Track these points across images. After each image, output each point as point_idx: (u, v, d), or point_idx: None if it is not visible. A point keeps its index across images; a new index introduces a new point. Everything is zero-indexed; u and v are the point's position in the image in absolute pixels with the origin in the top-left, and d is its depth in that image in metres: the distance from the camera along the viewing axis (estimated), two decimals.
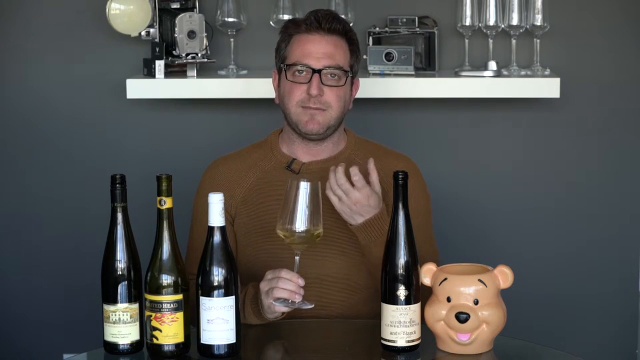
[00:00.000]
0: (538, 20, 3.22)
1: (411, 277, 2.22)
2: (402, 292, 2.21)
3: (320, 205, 2.35)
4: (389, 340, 2.23)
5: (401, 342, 2.22)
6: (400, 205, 2.23)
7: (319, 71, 2.58)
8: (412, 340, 2.23)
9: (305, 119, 2.59)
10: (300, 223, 2.33)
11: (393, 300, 2.21)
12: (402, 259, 2.22)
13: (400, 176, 2.24)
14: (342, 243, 2.60)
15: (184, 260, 2.31)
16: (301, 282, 2.35)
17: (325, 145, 2.66)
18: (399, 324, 2.21)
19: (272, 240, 2.55)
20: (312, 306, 2.35)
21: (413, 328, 2.22)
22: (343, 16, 3.18)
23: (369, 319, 2.51)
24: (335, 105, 2.60)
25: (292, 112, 2.60)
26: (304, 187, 2.33)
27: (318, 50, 2.60)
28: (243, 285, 2.44)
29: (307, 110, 2.59)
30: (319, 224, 2.34)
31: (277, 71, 2.68)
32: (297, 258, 2.37)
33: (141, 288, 2.23)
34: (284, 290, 2.34)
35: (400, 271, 2.21)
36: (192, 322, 2.24)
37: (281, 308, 2.36)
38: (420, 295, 2.24)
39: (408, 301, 2.21)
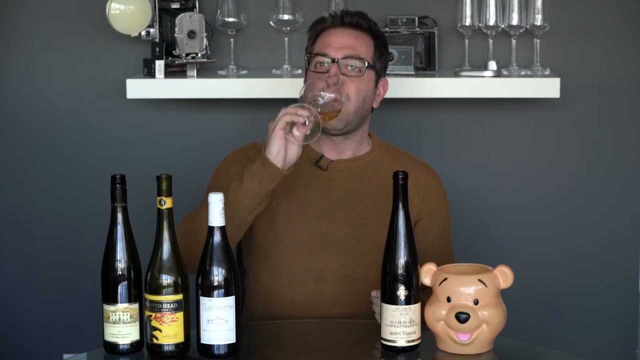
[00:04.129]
0: (538, 20, 3.22)
1: (411, 277, 2.21)
2: (402, 292, 2.21)
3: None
4: (389, 340, 2.23)
5: (401, 342, 2.22)
6: (400, 205, 2.23)
7: (337, 61, 2.60)
8: (412, 340, 2.23)
9: None
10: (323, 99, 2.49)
11: (393, 300, 2.21)
12: (402, 259, 2.21)
13: (400, 176, 2.23)
14: (348, 242, 2.61)
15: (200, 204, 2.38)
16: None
17: (348, 142, 2.67)
18: (399, 324, 2.21)
19: (294, 229, 2.59)
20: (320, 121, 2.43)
21: (413, 328, 2.22)
22: None
23: (369, 319, 2.51)
24: (353, 98, 2.61)
25: None
26: None
27: (338, 41, 2.63)
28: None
29: None
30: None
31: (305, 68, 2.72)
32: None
33: (141, 288, 2.23)
34: (295, 109, 2.41)
35: (400, 271, 2.21)
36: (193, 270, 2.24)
37: (289, 132, 2.41)
38: (420, 295, 2.24)
39: (408, 301, 2.21)
